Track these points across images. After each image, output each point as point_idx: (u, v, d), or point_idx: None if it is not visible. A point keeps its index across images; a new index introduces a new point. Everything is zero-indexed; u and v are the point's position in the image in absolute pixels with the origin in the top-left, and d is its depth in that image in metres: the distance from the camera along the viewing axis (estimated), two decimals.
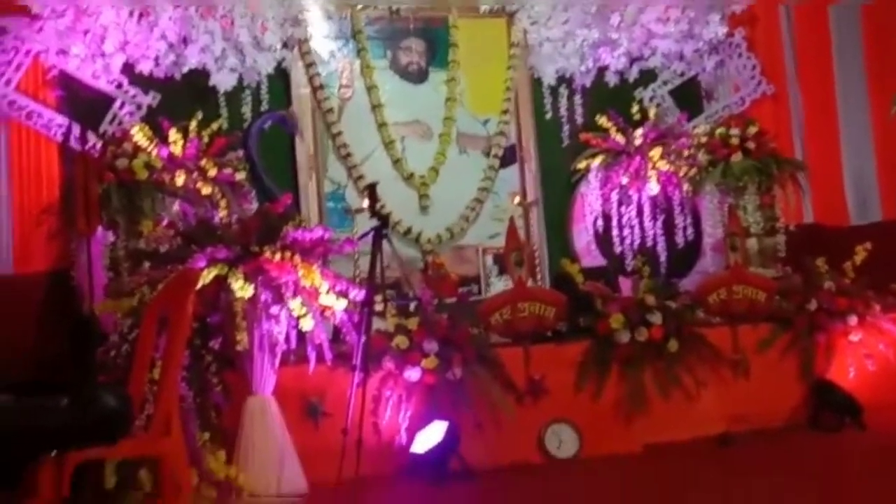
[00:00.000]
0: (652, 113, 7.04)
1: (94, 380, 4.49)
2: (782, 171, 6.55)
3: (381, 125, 6.71)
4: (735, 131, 6.57)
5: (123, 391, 3.36)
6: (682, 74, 7.25)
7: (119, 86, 6.08)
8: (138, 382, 3.60)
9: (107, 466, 4.14)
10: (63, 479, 3.12)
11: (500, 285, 6.64)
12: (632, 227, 6.93)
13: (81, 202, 4.60)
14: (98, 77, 6.03)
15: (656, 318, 5.31)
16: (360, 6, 6.67)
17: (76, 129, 5.77)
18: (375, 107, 6.71)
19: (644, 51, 7.13)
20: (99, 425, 3.18)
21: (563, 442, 5.12)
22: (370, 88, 6.70)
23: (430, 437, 4.79)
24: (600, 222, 6.94)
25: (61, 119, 5.92)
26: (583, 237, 6.97)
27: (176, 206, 5.78)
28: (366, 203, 6.11)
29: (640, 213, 6.93)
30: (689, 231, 6.92)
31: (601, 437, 5.18)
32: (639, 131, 6.92)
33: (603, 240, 6.95)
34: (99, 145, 5.70)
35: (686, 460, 5.02)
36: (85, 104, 6.00)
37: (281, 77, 6.51)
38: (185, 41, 6.18)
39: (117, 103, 6.08)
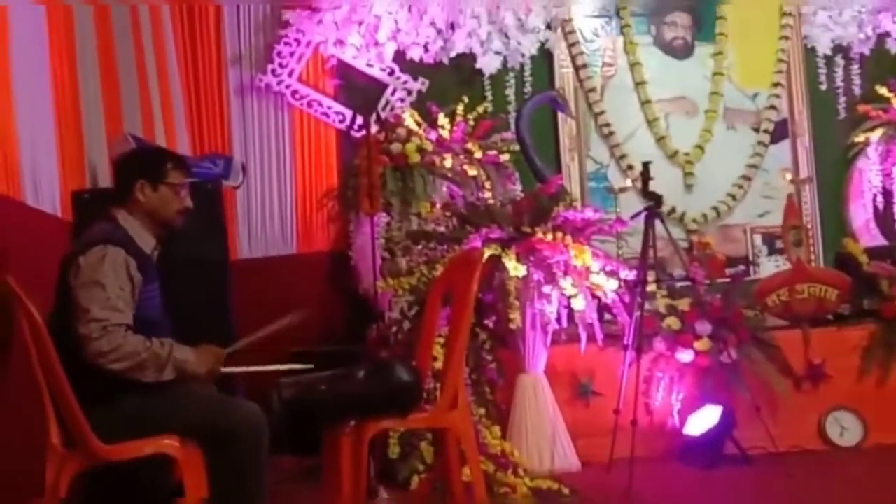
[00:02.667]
0: None
1: (377, 355, 4.74)
2: None
3: (645, 102, 6.60)
4: None
5: (414, 365, 3.51)
6: None
7: (391, 73, 6.34)
8: (424, 357, 3.76)
9: (391, 438, 4.37)
10: (361, 449, 3.31)
11: (769, 266, 6.40)
12: None
13: (365, 185, 4.82)
14: (372, 65, 6.32)
15: None
16: None
17: (355, 116, 6.07)
18: (639, 84, 6.60)
19: None
20: (394, 397, 3.35)
21: (845, 429, 4.90)
22: (633, 65, 6.61)
23: (705, 419, 4.71)
24: (880, 199, 6.52)
25: (339, 107, 6.26)
26: (861, 215, 6.57)
27: (444, 188, 5.96)
28: (628, 182, 6.16)
29: None
30: None
31: (888, 425, 4.90)
32: None
33: (883, 218, 6.52)
34: (375, 130, 5.96)
35: None
36: (360, 91, 6.32)
37: (544, 58, 6.54)
38: (452, 27, 6.35)
39: (389, 90, 6.34)
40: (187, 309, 3.48)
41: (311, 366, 3.38)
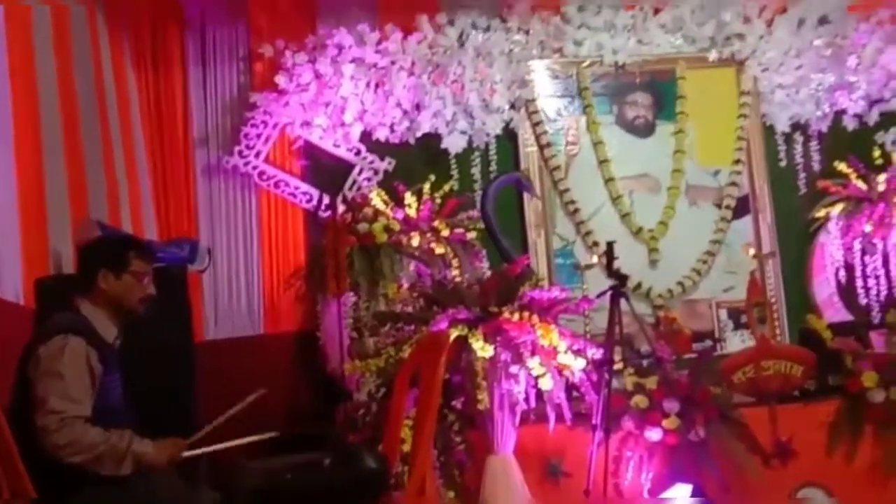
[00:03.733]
0: (895, 157, 6.68)
1: (344, 438, 4.70)
2: None
3: (609, 180, 6.70)
4: None
5: (380, 451, 3.49)
6: None
7: (358, 153, 6.39)
8: (392, 441, 3.74)
9: None
10: None
11: (735, 340, 6.45)
12: (878, 278, 6.54)
13: (332, 266, 4.84)
14: (339, 146, 6.37)
15: None
16: (585, 63, 6.72)
17: (322, 197, 6.12)
18: (602, 162, 6.70)
19: (884, 92, 6.78)
20: (361, 486, 3.32)
21: None
22: (596, 144, 6.72)
23: (675, 499, 4.68)
24: (843, 273, 6.62)
25: (306, 187, 6.29)
26: (824, 289, 6.65)
27: (412, 267, 5.98)
28: (594, 259, 6.20)
29: (885, 262, 6.54)
30: None
31: (856, 502, 4.89)
32: (882, 177, 6.56)
33: (846, 292, 6.61)
34: (342, 210, 5.99)
35: None
36: (327, 172, 6.35)
37: (509, 137, 6.64)
38: (418, 107, 6.43)
39: (356, 170, 6.39)
40: (151, 396, 3.45)
41: (274, 433, 3.36)
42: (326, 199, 5.32)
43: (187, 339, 4.65)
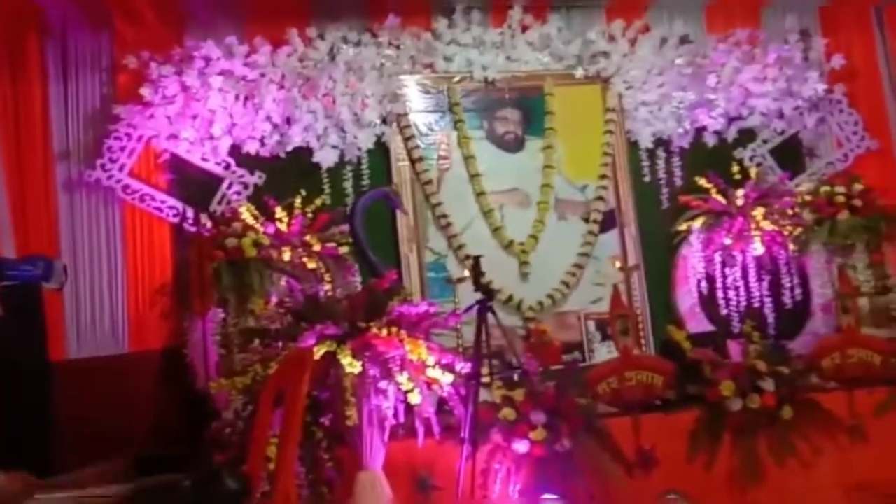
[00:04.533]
0: (753, 172, 6.95)
1: (210, 458, 4.60)
2: (891, 228, 6.38)
3: (480, 194, 6.78)
4: (840, 189, 6.45)
5: (242, 472, 3.43)
6: (782, 133, 7.16)
7: (227, 167, 6.30)
8: (256, 460, 3.68)
9: None
10: None
11: (603, 351, 6.58)
12: (737, 289, 6.79)
13: (196, 282, 4.75)
14: (207, 159, 6.26)
15: (768, 385, 5.17)
16: (456, 79, 6.79)
17: (188, 211, 6.00)
18: (473, 176, 6.78)
19: (742, 110, 7.08)
20: None
21: None
22: (468, 158, 6.79)
23: None
24: (704, 285, 6.85)
25: (173, 201, 6.16)
26: (687, 300, 6.87)
27: (283, 282, 5.91)
28: (466, 273, 6.25)
29: (745, 274, 6.79)
30: (797, 291, 6.76)
31: None
32: (740, 191, 6.82)
33: (708, 303, 6.84)
34: (209, 225, 5.88)
35: None
36: (194, 186, 6.24)
37: (381, 151, 6.65)
38: (288, 121, 6.38)
39: (225, 184, 6.30)
40: (3, 418, 3.32)
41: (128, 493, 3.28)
42: (193, 214, 5.20)
43: (42, 358, 4.51)
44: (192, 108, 6.19)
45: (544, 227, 6.82)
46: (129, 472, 3.54)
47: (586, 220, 6.89)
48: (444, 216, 6.67)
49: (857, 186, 6.44)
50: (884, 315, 6.28)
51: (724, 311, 6.78)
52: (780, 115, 7.11)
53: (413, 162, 6.68)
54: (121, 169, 6.11)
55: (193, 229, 5.56)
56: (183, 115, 6.17)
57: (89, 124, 6.22)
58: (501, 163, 6.88)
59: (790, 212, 6.64)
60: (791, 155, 7.19)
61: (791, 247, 6.63)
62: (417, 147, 6.69)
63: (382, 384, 4.71)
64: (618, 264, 6.74)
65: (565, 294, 6.78)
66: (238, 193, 6.30)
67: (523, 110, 6.94)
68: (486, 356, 4.99)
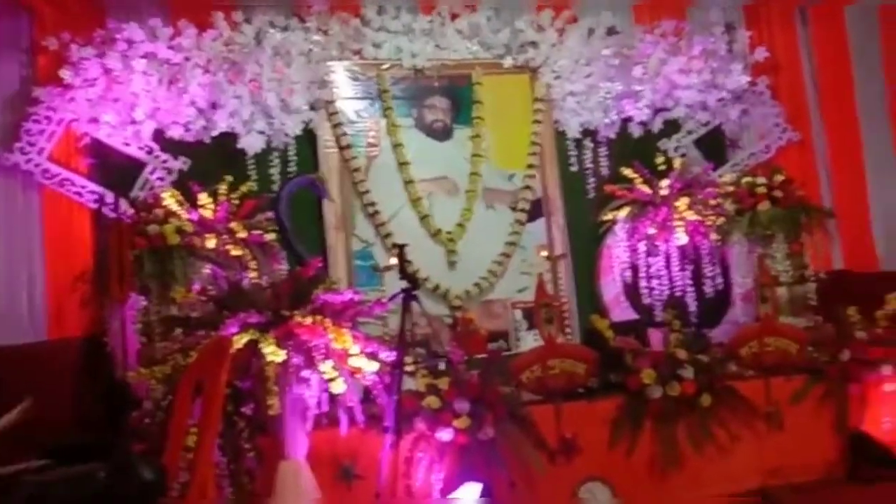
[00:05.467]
0: (677, 163, 7.03)
1: (129, 447, 4.54)
2: (810, 218, 6.53)
3: (408, 182, 6.76)
4: (761, 180, 6.56)
5: (159, 462, 3.39)
6: (706, 124, 7.26)
7: (150, 152, 6.18)
8: (174, 450, 3.64)
9: None
10: None
11: (529, 339, 6.63)
12: (660, 278, 6.88)
13: (115, 269, 4.67)
14: (129, 144, 6.13)
15: (688, 373, 5.28)
16: (385, 66, 6.76)
17: (109, 197, 5.88)
18: (402, 164, 6.76)
19: (667, 102, 7.16)
20: (136, 496, 3.21)
21: (597, 500, 5.08)
22: (396, 146, 6.77)
23: (464, 498, 4.77)
24: (628, 274, 6.93)
25: (93, 186, 6.03)
26: (611, 289, 6.94)
27: (207, 270, 5.83)
28: (393, 261, 6.24)
29: (668, 263, 6.87)
30: (719, 280, 6.87)
31: (636, 494, 5.14)
32: (664, 182, 6.90)
33: (632, 291, 6.92)
34: (131, 211, 5.78)
35: None
36: (116, 171, 6.11)
37: (308, 138, 6.59)
38: (214, 106, 6.28)
39: (148, 169, 6.18)
40: None
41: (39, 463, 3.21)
42: (114, 199, 5.10)
43: None
44: (113, 92, 6.05)
45: (472, 216, 6.83)
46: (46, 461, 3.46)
47: (514, 209, 6.92)
48: (372, 204, 6.64)
49: (778, 178, 6.56)
50: (802, 304, 6.43)
51: (647, 300, 6.87)
52: (705, 107, 7.21)
53: (341, 149, 6.63)
54: (40, 153, 5.95)
55: (113, 215, 5.45)
56: (104, 98, 6.03)
57: (7, 107, 6.03)
58: (430, 151, 6.88)
59: (713, 202, 6.74)
60: (715, 146, 7.30)
61: (713, 237, 6.73)
62: (346, 134, 6.64)
63: (306, 373, 4.69)
64: (544, 253, 6.79)
65: (492, 283, 6.81)
66: (161, 179, 6.18)
67: (452, 99, 6.94)
68: (411, 345, 5.00)
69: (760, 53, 7.26)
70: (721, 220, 6.66)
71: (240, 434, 4.66)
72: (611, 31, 7.10)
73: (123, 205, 5.59)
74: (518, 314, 6.79)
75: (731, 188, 6.70)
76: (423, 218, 6.76)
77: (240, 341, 4.57)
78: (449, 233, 6.77)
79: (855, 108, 7.43)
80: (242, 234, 6.10)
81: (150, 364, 4.91)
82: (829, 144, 7.46)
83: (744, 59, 7.24)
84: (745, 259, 6.69)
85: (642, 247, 6.90)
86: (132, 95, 6.08)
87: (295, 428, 4.72)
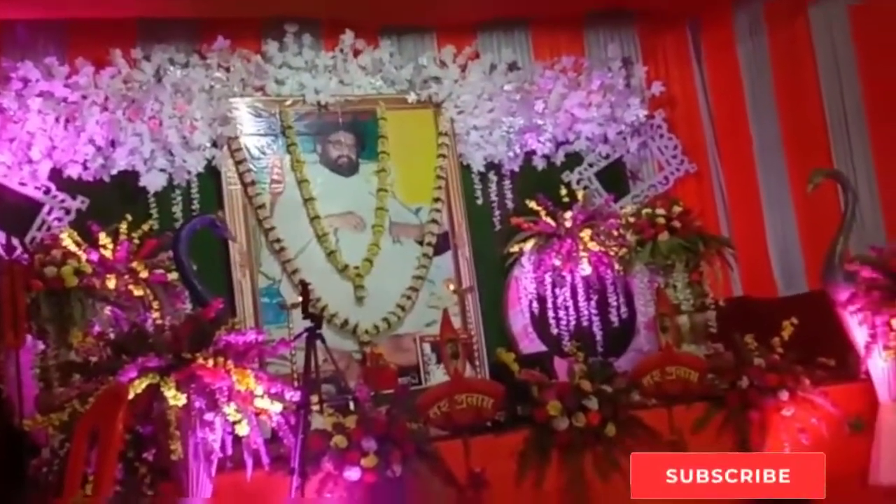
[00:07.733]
0: (580, 195, 7.17)
1: (26, 497, 4.41)
2: (709, 247, 6.68)
3: (314, 218, 6.75)
4: (661, 211, 6.69)
5: None
6: (606, 157, 7.44)
7: (47, 191, 6.07)
8: (69, 500, 3.56)
9: None
10: None
11: (439, 373, 6.61)
12: (567, 309, 6.99)
13: (9, 314, 4.52)
14: (25, 184, 6.01)
15: (593, 404, 5.33)
16: (288, 102, 6.76)
17: (2, 238, 5.72)
18: (307, 200, 6.75)
19: (569, 135, 7.32)
20: None
21: None
22: (301, 182, 6.76)
23: None
24: (536, 305, 7.01)
25: None
26: (519, 321, 7.02)
27: (107, 311, 5.70)
28: (300, 297, 6.20)
29: (574, 294, 7.00)
30: (623, 310, 7.01)
31: None
32: (568, 214, 7.03)
33: (539, 322, 7.00)
34: (27, 253, 5.62)
35: None
36: (12, 211, 5.98)
37: (211, 175, 6.55)
38: (112, 144, 6.21)
39: (45, 209, 6.06)
40: None
41: None
42: (6, 240, 4.97)
43: None
44: (8, 131, 5.95)
45: (379, 251, 6.85)
46: None
47: (420, 243, 6.97)
48: (278, 241, 6.61)
49: (677, 209, 6.70)
50: (702, 332, 6.56)
51: (554, 331, 6.95)
52: (605, 140, 7.39)
53: (245, 186, 6.60)
54: None
55: (5, 257, 5.30)
56: None
57: None
58: (335, 186, 6.89)
59: (615, 233, 6.89)
60: (615, 178, 7.47)
61: (616, 267, 6.86)
62: (249, 171, 6.61)
63: (209, 416, 4.60)
64: (452, 287, 6.82)
65: (401, 317, 6.83)
66: (59, 219, 6.07)
67: (357, 134, 6.97)
68: (317, 383, 4.95)
69: (657, 88, 7.46)
70: (623, 250, 6.78)
71: (142, 480, 4.54)
72: (512, 67, 7.23)
73: (18, 246, 5.44)
74: (427, 348, 6.79)
75: (632, 219, 6.82)
76: (331, 254, 6.74)
77: (139, 386, 4.47)
78: (356, 268, 6.77)
79: (750, 140, 7.63)
80: (144, 274, 5.99)
81: (48, 411, 4.77)
82: (725, 175, 7.68)
83: (641, 94, 7.44)
84: (648, 288, 6.82)
85: (548, 278, 6.99)
86: (28, 135, 5.99)
87: (198, 472, 4.62)
